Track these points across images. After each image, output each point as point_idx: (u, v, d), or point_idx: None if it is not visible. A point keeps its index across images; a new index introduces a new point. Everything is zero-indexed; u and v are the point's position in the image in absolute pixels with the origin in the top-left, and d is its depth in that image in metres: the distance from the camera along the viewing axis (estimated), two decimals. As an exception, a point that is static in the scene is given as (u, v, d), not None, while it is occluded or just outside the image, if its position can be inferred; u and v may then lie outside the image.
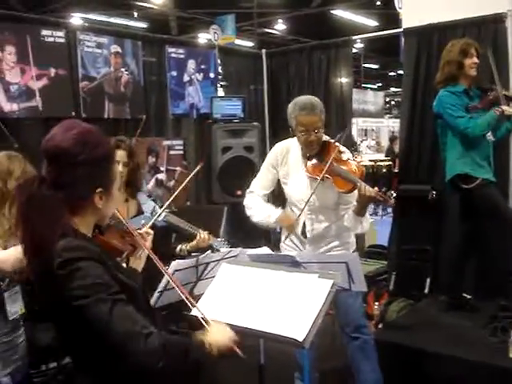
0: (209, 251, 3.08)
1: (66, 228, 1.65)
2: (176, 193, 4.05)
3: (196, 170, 4.13)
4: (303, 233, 3.51)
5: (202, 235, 3.60)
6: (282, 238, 3.74)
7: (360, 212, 3.32)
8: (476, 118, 4.08)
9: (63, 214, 1.64)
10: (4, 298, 2.70)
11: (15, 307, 2.76)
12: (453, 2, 5.07)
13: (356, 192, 3.30)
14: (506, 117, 4.05)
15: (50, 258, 1.58)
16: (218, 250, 3.75)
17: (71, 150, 1.66)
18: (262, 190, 3.68)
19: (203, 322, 1.88)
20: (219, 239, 3.82)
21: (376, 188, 3.19)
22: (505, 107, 4.02)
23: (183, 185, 3.83)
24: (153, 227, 2.62)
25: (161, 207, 3.43)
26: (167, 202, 3.48)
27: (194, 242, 3.62)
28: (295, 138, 3.54)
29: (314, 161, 3.43)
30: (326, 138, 3.51)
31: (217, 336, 1.83)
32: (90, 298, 1.56)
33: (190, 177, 3.84)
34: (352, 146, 4.48)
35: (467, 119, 4.07)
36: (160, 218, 3.42)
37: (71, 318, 1.60)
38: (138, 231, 2.10)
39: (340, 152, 3.39)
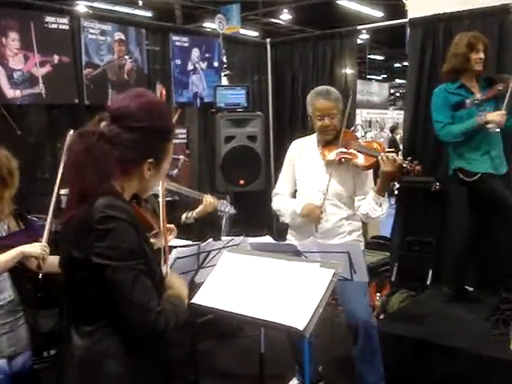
0: (210, 239, 3.07)
1: (113, 186, 1.72)
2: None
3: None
4: (315, 226, 3.49)
5: (208, 199, 3.61)
6: (289, 230, 3.74)
7: (382, 188, 3.34)
8: (459, 120, 4.11)
9: (114, 171, 1.71)
10: None
11: (2, 294, 2.77)
12: (459, -7, 5.05)
13: (371, 181, 3.33)
14: (485, 126, 4.02)
15: (91, 210, 1.63)
16: (225, 213, 3.77)
17: (136, 114, 1.73)
18: (286, 189, 3.70)
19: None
20: (224, 201, 3.84)
21: (401, 156, 3.23)
22: (491, 117, 3.97)
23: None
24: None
25: None
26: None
27: (201, 207, 3.63)
28: (311, 136, 3.65)
29: (331, 146, 3.51)
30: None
31: (183, 290, 1.95)
32: (117, 263, 1.62)
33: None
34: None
35: (441, 126, 4.15)
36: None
37: (92, 272, 1.64)
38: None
39: (356, 137, 3.56)
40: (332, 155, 3.46)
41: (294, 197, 3.70)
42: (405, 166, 3.24)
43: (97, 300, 1.69)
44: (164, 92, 3.19)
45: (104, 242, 1.62)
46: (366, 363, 3.48)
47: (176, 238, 3.86)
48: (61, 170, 2.65)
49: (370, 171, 3.49)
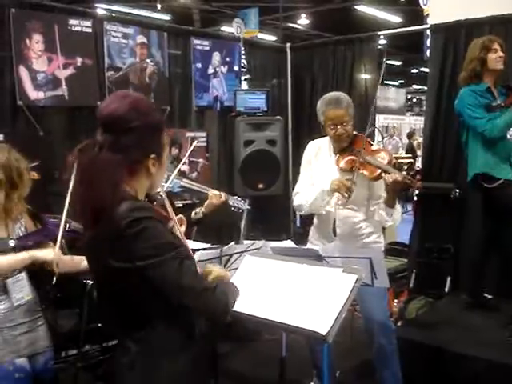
0: (232, 242, 3.08)
1: (126, 191, 1.74)
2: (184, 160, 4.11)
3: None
4: (333, 230, 3.50)
5: (213, 192, 3.61)
6: (310, 234, 3.74)
7: (390, 202, 3.34)
8: (495, 118, 4.04)
9: (123, 177, 1.73)
10: (7, 284, 2.74)
11: (20, 294, 2.78)
12: (480, -1, 5.04)
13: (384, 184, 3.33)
14: None
15: (114, 220, 1.65)
16: (237, 208, 3.77)
17: (126, 117, 1.74)
18: (306, 188, 3.64)
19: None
20: (236, 197, 3.83)
21: (404, 172, 3.21)
22: None
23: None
24: (170, 196, 2.66)
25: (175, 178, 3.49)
26: (177, 168, 3.54)
27: (208, 201, 3.62)
28: (327, 137, 3.60)
29: (345, 154, 3.48)
30: (355, 132, 3.56)
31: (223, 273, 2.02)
32: (160, 257, 1.66)
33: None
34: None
35: (485, 121, 4.02)
36: (171, 185, 3.46)
37: (136, 277, 1.68)
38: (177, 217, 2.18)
39: (369, 143, 3.48)
40: (345, 165, 3.45)
41: None
42: (406, 182, 3.21)
43: (144, 304, 1.73)
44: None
45: (140, 244, 1.65)
46: (384, 366, 3.49)
47: (195, 240, 3.89)
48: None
49: None
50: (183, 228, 2.42)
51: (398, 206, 3.45)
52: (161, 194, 2.22)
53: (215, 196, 3.61)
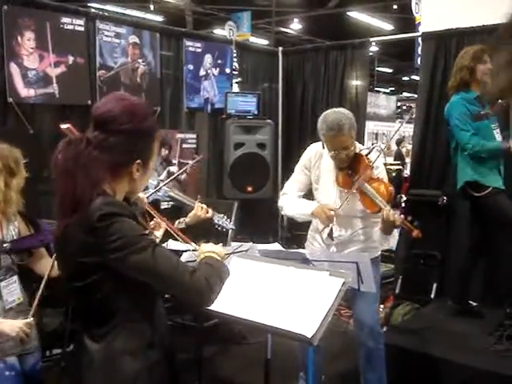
0: (220, 244, 3.07)
1: (105, 190, 1.74)
2: (177, 174, 4.11)
3: (197, 159, 4.16)
4: (330, 236, 3.50)
5: (200, 205, 3.58)
6: (308, 236, 3.74)
7: (386, 231, 3.34)
8: (487, 133, 4.09)
9: (105, 175, 1.74)
10: (0, 287, 2.73)
11: (12, 296, 2.78)
12: (471, 8, 5.07)
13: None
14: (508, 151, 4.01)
15: (88, 212, 1.65)
16: (219, 226, 3.75)
17: (120, 118, 1.76)
18: (295, 191, 3.64)
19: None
20: (221, 215, 3.81)
21: (402, 216, 3.19)
22: None
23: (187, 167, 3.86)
24: (157, 203, 2.66)
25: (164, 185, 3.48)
26: (169, 180, 3.52)
27: (193, 212, 3.60)
28: None
29: (345, 173, 3.43)
30: (359, 146, 3.51)
31: (216, 248, 1.99)
32: (132, 247, 1.65)
33: (188, 165, 3.87)
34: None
35: (470, 134, 4.05)
36: (160, 194, 3.45)
37: (107, 270, 1.67)
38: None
39: (370, 166, 3.37)
40: (344, 186, 3.42)
41: None
42: (403, 226, 3.22)
43: (108, 299, 1.72)
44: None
45: (110, 236, 1.64)
46: (370, 369, 3.52)
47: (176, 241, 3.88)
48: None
49: None
50: (160, 233, 2.43)
51: (395, 232, 3.46)
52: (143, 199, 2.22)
53: (201, 209, 3.58)
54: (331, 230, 3.50)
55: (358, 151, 3.45)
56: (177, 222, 3.67)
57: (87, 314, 1.79)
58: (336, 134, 3.27)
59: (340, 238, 3.50)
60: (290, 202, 3.59)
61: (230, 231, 4.13)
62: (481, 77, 4.15)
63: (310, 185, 3.65)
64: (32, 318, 2.66)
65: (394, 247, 3.51)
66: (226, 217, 3.82)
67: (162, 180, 3.88)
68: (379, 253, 3.64)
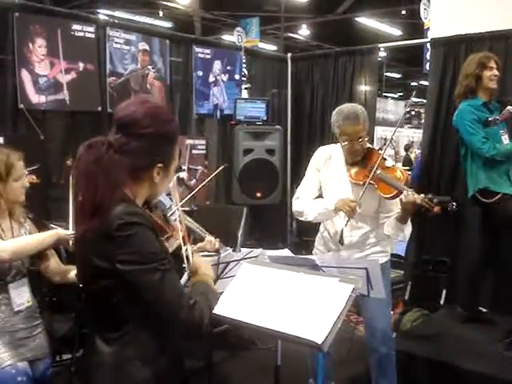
0: (230, 250, 3.09)
1: (126, 194, 1.74)
2: (193, 193, 4.11)
3: (217, 171, 4.18)
4: (340, 239, 3.47)
5: (210, 238, 3.58)
6: (316, 242, 3.74)
7: (403, 219, 3.31)
8: (496, 139, 4.08)
9: (126, 179, 1.74)
10: (9, 289, 2.74)
11: (21, 299, 2.78)
12: (480, 14, 5.07)
13: (398, 200, 3.29)
14: None
15: (108, 218, 1.65)
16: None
17: (141, 122, 1.74)
18: (308, 194, 3.59)
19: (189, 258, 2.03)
20: (228, 248, 3.80)
21: (422, 194, 3.19)
22: None
23: (202, 184, 3.86)
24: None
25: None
26: (181, 203, 3.51)
27: (202, 244, 3.61)
28: (337, 144, 3.55)
29: (358, 167, 3.43)
30: (368, 145, 3.52)
31: (209, 272, 2.02)
32: (144, 266, 1.65)
33: (210, 177, 3.87)
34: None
35: (481, 137, 4.05)
36: (173, 217, 3.45)
37: (117, 279, 1.67)
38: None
39: (384, 159, 3.40)
40: (358, 178, 3.40)
41: None
42: (424, 205, 3.18)
43: (122, 306, 1.72)
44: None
45: (126, 248, 1.64)
46: (382, 375, 3.51)
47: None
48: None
49: None
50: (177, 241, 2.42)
51: (409, 222, 3.41)
52: (177, 211, 2.22)
53: (210, 243, 3.60)
54: (341, 234, 3.48)
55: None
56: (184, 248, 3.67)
57: (101, 317, 1.79)
58: (353, 122, 3.30)
59: (351, 238, 3.48)
60: (309, 205, 3.54)
61: (240, 231, 4.15)
62: (487, 83, 4.15)
63: (321, 188, 3.64)
64: None
65: (407, 237, 3.47)
66: (230, 250, 3.82)
67: (171, 198, 3.88)
68: (388, 257, 3.63)
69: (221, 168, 4.59)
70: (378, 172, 3.32)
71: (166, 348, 1.81)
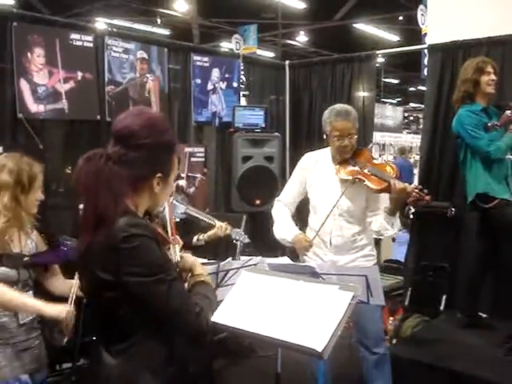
0: (229, 258, 3.10)
1: (128, 206, 1.75)
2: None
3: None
4: (330, 241, 3.54)
5: (221, 224, 3.64)
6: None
7: (393, 211, 3.38)
8: (496, 140, 4.07)
9: (127, 190, 1.76)
10: None
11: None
12: (478, 20, 5.09)
13: (383, 197, 3.39)
14: None
15: (113, 231, 1.66)
16: (237, 241, 3.80)
17: (139, 133, 1.76)
18: (290, 198, 3.74)
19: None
20: (238, 230, 3.86)
21: (413, 185, 3.25)
22: None
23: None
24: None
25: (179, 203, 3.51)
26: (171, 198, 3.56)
27: (213, 231, 3.66)
28: (324, 150, 3.67)
29: (347, 165, 3.54)
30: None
31: (201, 268, 2.03)
32: (151, 278, 1.67)
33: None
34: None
35: (487, 141, 4.05)
36: (179, 211, 3.47)
37: (123, 291, 1.68)
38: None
39: (372, 157, 3.54)
40: (346, 174, 3.50)
41: (294, 208, 3.80)
42: (414, 194, 3.25)
43: (127, 318, 1.72)
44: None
45: (132, 260, 1.66)
46: (379, 376, 3.58)
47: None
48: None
49: None
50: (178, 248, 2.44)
51: (397, 217, 3.49)
52: (163, 212, 2.24)
53: (222, 228, 3.65)
54: (330, 235, 3.55)
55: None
56: (195, 238, 3.71)
57: (106, 329, 1.79)
58: (344, 118, 3.46)
59: (339, 240, 3.54)
60: (279, 223, 3.71)
61: (239, 244, 4.18)
62: (485, 88, 4.16)
63: (305, 192, 3.73)
64: (73, 308, 2.68)
65: (396, 231, 3.54)
66: (241, 231, 3.87)
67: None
68: (375, 261, 3.70)
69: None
70: (368, 167, 3.44)
71: (173, 357, 1.81)
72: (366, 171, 3.44)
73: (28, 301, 2.65)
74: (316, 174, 3.65)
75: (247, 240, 3.97)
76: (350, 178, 3.46)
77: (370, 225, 3.54)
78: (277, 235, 3.70)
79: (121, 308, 1.71)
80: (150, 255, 1.68)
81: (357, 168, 3.48)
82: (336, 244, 3.54)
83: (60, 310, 2.62)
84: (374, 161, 3.56)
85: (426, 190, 3.27)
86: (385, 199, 3.49)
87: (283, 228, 3.67)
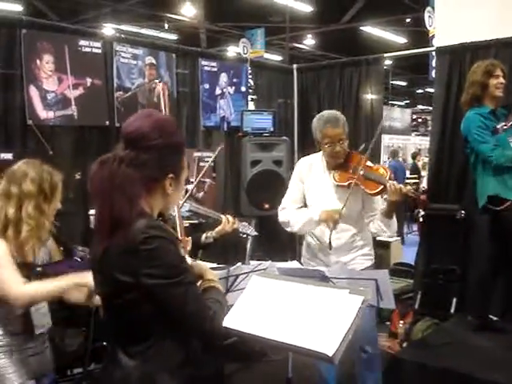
0: (239, 263, 3.10)
1: (143, 208, 1.77)
2: (199, 177, 4.15)
3: (217, 150, 4.24)
4: (329, 243, 3.54)
5: (227, 218, 3.66)
6: (303, 252, 3.79)
7: (389, 213, 3.43)
8: (504, 143, 4.06)
9: (141, 192, 1.77)
10: (31, 313, 2.74)
11: (42, 321, 2.79)
12: (485, 22, 5.08)
13: (379, 198, 3.46)
14: None
15: (131, 233, 1.68)
16: (244, 234, 3.81)
17: (149, 135, 1.78)
18: (293, 204, 3.73)
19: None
20: (245, 223, 3.87)
21: (408, 186, 3.26)
22: None
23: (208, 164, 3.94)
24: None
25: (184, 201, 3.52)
26: (189, 192, 3.57)
27: (220, 227, 3.67)
28: (318, 154, 3.71)
29: (341, 170, 3.57)
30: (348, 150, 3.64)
31: (212, 274, 2.05)
32: (169, 279, 1.69)
33: (213, 156, 3.99)
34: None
35: (491, 145, 4.03)
36: (184, 209, 3.48)
37: (141, 293, 1.69)
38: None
39: (366, 159, 3.52)
40: (341, 180, 3.54)
41: None
42: (410, 195, 3.29)
43: (145, 319, 1.74)
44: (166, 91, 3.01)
45: (151, 261, 1.67)
46: (370, 374, 3.65)
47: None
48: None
49: None
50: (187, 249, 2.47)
51: (394, 218, 3.54)
52: (173, 214, 2.26)
53: (229, 223, 3.66)
54: (330, 238, 3.54)
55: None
56: (203, 236, 3.72)
57: (124, 331, 1.80)
58: (333, 125, 3.48)
59: (338, 242, 3.56)
60: (294, 216, 3.67)
61: (249, 241, 4.19)
62: (493, 91, 4.15)
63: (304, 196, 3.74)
64: None
65: (396, 233, 3.59)
66: (247, 224, 3.88)
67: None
68: (373, 261, 3.73)
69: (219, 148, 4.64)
70: (362, 172, 3.44)
71: (190, 358, 1.83)
72: (360, 175, 3.45)
73: (54, 283, 2.64)
74: (312, 179, 3.69)
75: (254, 233, 3.98)
76: (346, 183, 3.49)
77: (367, 225, 3.59)
78: (299, 226, 3.66)
79: (140, 309, 1.72)
80: (168, 257, 1.70)
81: (351, 172, 3.50)
82: (336, 246, 3.56)
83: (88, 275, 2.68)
84: (368, 163, 3.57)
85: (420, 191, 3.31)
86: (381, 200, 3.56)
87: (303, 214, 3.65)
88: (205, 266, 2.09)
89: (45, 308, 2.81)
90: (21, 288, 2.55)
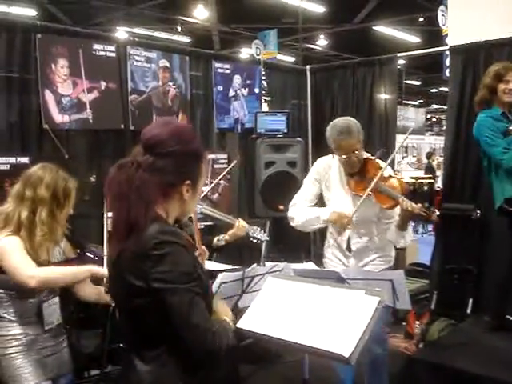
0: (255, 264, 3.11)
1: (158, 213, 1.79)
2: (215, 182, 4.16)
3: (232, 164, 4.26)
4: (348, 247, 3.54)
5: (240, 223, 3.67)
6: (325, 253, 3.77)
7: (402, 227, 3.39)
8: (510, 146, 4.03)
9: (158, 198, 1.79)
10: (43, 308, 2.77)
11: (52, 318, 2.82)
12: (499, 20, 5.05)
13: (398, 207, 3.35)
14: None
15: (144, 237, 1.70)
16: (254, 238, 3.82)
17: (167, 142, 1.81)
18: (304, 202, 3.71)
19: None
20: (256, 227, 3.88)
21: (419, 204, 3.22)
22: None
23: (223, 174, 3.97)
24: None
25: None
26: (202, 194, 3.58)
27: (233, 230, 3.68)
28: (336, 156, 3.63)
29: (356, 178, 3.51)
30: (366, 154, 3.59)
31: (228, 314, 2.01)
32: (175, 285, 1.69)
33: (226, 170, 3.99)
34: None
35: (501, 149, 4.01)
36: (198, 211, 3.50)
37: (153, 298, 1.70)
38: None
39: (380, 168, 3.46)
40: (357, 190, 3.48)
41: None
42: (422, 214, 3.22)
43: (158, 324, 1.74)
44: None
45: (161, 266, 1.68)
46: (377, 374, 3.62)
47: (216, 262, 3.92)
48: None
49: None
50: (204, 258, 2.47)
51: (410, 229, 3.52)
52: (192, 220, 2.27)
53: (242, 228, 3.67)
54: (348, 241, 3.55)
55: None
56: (215, 239, 3.73)
57: (137, 335, 1.81)
58: (346, 137, 3.39)
59: (358, 245, 3.56)
60: (301, 211, 3.66)
61: (263, 243, 4.19)
62: (501, 96, 4.11)
63: (320, 195, 3.72)
64: None
65: (408, 242, 3.55)
66: (259, 229, 3.89)
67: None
68: (392, 263, 3.69)
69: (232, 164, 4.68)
70: (377, 185, 3.38)
71: (204, 361, 1.82)
72: (375, 188, 3.38)
73: (77, 268, 2.73)
74: (330, 181, 3.66)
75: (266, 238, 3.97)
76: (360, 194, 3.43)
77: (386, 227, 3.54)
78: (302, 218, 3.63)
79: (152, 314, 1.73)
80: (178, 263, 1.70)
81: (366, 183, 3.42)
82: (355, 249, 3.57)
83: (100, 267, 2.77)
84: (384, 173, 3.46)
85: (432, 208, 3.27)
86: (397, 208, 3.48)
87: (311, 211, 3.63)
88: (222, 305, 2.07)
89: (56, 305, 2.85)
90: (35, 269, 2.60)
